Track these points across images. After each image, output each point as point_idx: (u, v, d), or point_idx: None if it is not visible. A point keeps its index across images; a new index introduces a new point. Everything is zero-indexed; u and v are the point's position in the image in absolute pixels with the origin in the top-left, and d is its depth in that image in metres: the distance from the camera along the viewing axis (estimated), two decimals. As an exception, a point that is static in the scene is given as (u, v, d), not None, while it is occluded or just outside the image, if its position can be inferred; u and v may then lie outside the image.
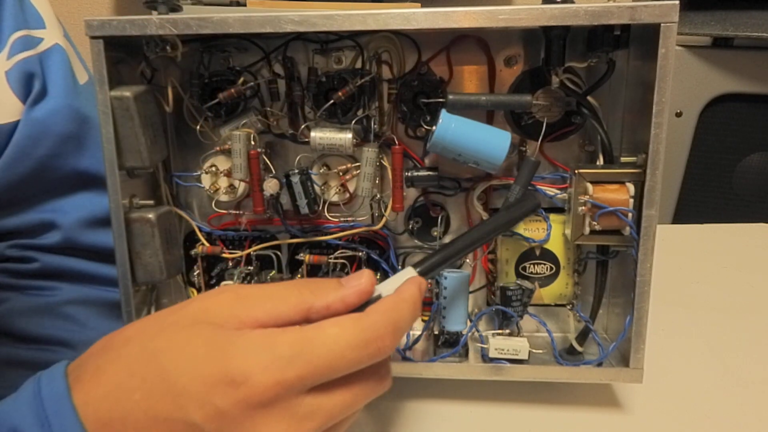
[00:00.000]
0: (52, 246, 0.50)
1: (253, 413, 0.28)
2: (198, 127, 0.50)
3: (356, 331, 0.30)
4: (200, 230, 0.53)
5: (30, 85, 0.48)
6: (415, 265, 0.39)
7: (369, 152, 0.48)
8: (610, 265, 0.51)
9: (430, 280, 0.52)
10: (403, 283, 0.36)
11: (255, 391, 0.28)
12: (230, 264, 0.53)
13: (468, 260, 0.54)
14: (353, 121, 0.48)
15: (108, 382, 0.29)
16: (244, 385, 0.28)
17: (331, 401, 0.30)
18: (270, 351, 0.29)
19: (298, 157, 0.51)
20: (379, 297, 0.35)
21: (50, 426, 0.28)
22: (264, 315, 0.31)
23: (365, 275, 0.35)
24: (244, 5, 0.79)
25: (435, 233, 0.53)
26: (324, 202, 0.51)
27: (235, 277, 0.52)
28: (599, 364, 0.49)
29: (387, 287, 0.36)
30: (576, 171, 0.47)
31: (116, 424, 0.28)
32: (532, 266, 0.51)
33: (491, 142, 0.46)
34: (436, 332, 0.53)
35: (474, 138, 0.45)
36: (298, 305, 0.32)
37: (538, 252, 0.51)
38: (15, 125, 0.47)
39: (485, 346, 0.50)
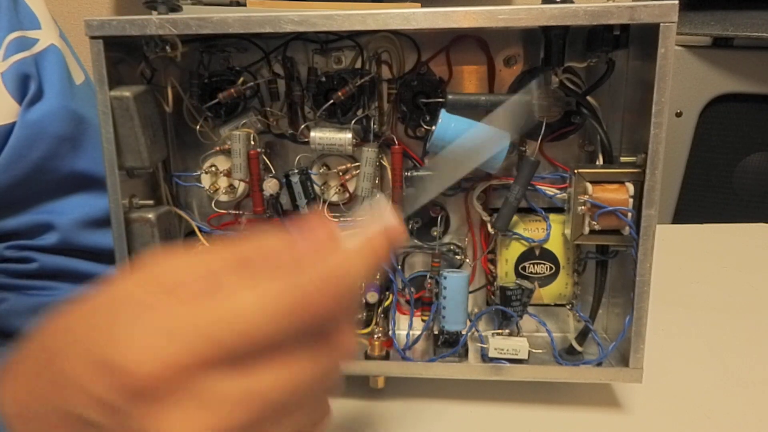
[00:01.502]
0: (50, 247, 0.50)
1: (144, 405, 0.23)
2: (198, 127, 0.50)
3: (279, 295, 0.24)
4: (200, 230, 0.53)
5: (26, 86, 0.48)
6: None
7: (369, 152, 0.48)
8: (610, 265, 0.51)
9: (429, 280, 0.52)
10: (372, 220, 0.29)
11: (137, 377, 0.22)
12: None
13: (468, 260, 0.54)
14: (353, 121, 0.48)
15: (18, 374, 0.26)
16: (124, 370, 0.22)
17: (258, 382, 0.24)
18: (160, 327, 0.23)
19: (297, 157, 0.51)
20: None
21: None
22: (188, 276, 0.25)
23: (323, 226, 0.27)
24: (244, 5, 0.79)
25: (435, 233, 0.53)
26: (324, 202, 0.51)
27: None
28: (599, 364, 0.49)
29: (354, 239, 0.28)
30: (576, 171, 0.47)
31: (21, 418, 0.26)
32: (531, 266, 0.51)
33: (491, 142, 0.45)
34: (436, 332, 0.53)
35: (474, 138, 0.45)
36: (234, 255, 0.26)
37: (537, 252, 0.51)
38: (11, 127, 0.47)
39: (485, 346, 0.50)
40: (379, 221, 0.29)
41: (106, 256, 0.52)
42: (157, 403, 0.23)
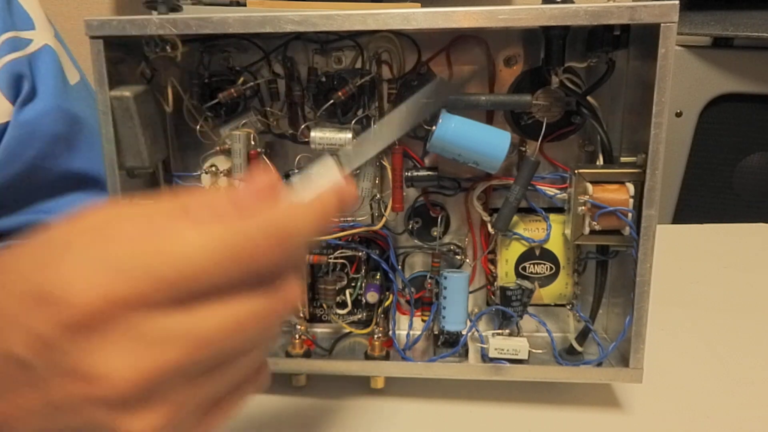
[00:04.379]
0: None
1: (81, 339, 0.22)
2: (198, 127, 0.50)
3: (222, 236, 0.24)
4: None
5: (19, 86, 0.48)
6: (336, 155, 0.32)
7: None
8: (610, 265, 0.51)
9: (429, 280, 0.52)
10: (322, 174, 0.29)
11: (76, 310, 0.22)
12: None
13: (468, 260, 0.54)
14: (353, 121, 0.48)
15: None
16: (63, 302, 0.22)
17: (199, 321, 0.23)
18: (101, 260, 0.23)
19: (298, 157, 0.51)
20: None
21: None
22: (136, 231, 0.24)
23: (264, 176, 0.27)
24: (244, 5, 0.79)
25: (435, 233, 0.53)
26: (324, 202, 0.50)
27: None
28: (599, 364, 0.49)
29: (304, 193, 0.29)
30: (576, 171, 0.47)
31: None
32: (531, 266, 0.51)
33: (491, 142, 0.46)
34: (436, 332, 0.53)
35: (474, 138, 0.45)
36: (172, 214, 0.25)
37: (537, 252, 0.51)
38: (4, 127, 0.47)
39: (485, 346, 0.50)
40: (328, 180, 0.29)
41: None
42: (93, 338, 0.22)
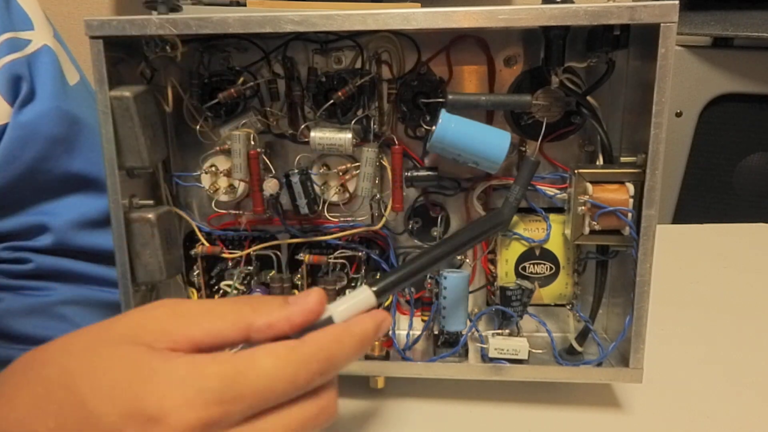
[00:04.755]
0: (45, 248, 0.50)
1: None
2: (198, 127, 0.50)
3: (293, 364, 0.29)
4: (200, 230, 0.53)
5: (18, 87, 0.48)
6: (371, 284, 0.36)
7: (369, 152, 0.48)
8: (610, 265, 0.51)
9: (429, 280, 0.52)
10: (360, 314, 0.34)
11: (174, 429, 0.26)
12: (230, 264, 0.53)
13: (468, 260, 0.54)
14: (353, 121, 0.48)
15: (24, 405, 0.27)
16: (163, 422, 0.26)
17: None
18: (194, 384, 0.27)
19: (298, 157, 0.51)
20: (329, 319, 0.33)
21: None
22: (200, 333, 0.29)
23: (314, 293, 0.32)
24: (244, 5, 0.79)
25: (435, 233, 0.53)
26: (324, 202, 0.51)
27: (235, 277, 0.52)
28: (599, 364, 0.49)
29: (339, 309, 0.34)
30: (576, 171, 0.47)
31: None
32: (531, 266, 0.51)
33: (491, 142, 0.46)
34: (436, 332, 0.53)
35: (474, 138, 0.45)
36: (237, 323, 0.30)
37: (537, 252, 0.51)
38: (3, 128, 0.47)
39: (485, 346, 0.50)
40: (364, 303, 0.35)
41: (101, 257, 0.52)
42: None
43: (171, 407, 0.26)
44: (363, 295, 0.35)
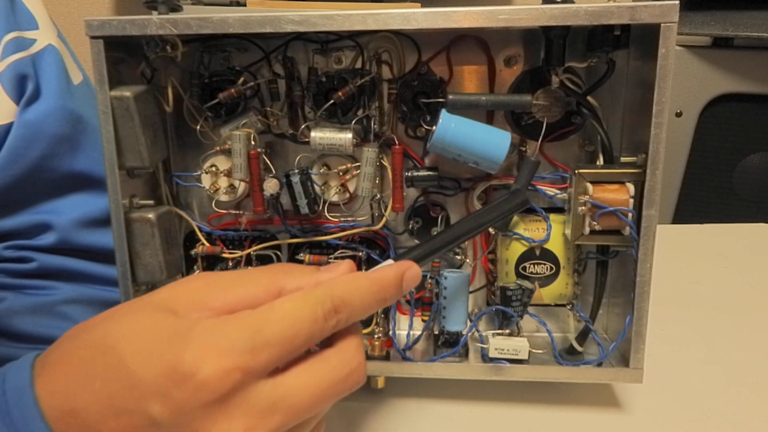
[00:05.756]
0: (48, 247, 0.50)
1: (210, 407, 0.27)
2: (198, 127, 0.50)
3: (310, 304, 0.30)
4: (200, 230, 0.53)
5: (23, 86, 0.48)
6: (396, 257, 0.38)
7: (369, 152, 0.48)
8: (610, 265, 0.51)
9: (429, 280, 0.52)
10: (382, 265, 0.36)
11: (209, 380, 0.27)
12: (230, 264, 0.53)
13: (468, 260, 0.54)
14: (353, 121, 0.48)
15: (71, 371, 0.29)
16: (198, 374, 0.27)
17: (293, 388, 0.29)
18: (224, 338, 0.28)
19: (298, 157, 0.51)
20: None
21: (11, 417, 0.28)
22: (234, 299, 0.31)
23: (345, 263, 0.34)
24: (244, 5, 0.79)
25: (435, 233, 0.53)
26: (324, 202, 0.51)
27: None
28: (599, 364, 0.49)
29: None
30: (576, 171, 0.47)
31: (78, 414, 0.28)
32: (532, 266, 0.51)
33: (491, 142, 0.46)
34: (436, 332, 0.53)
35: (474, 138, 0.45)
36: (269, 287, 0.31)
37: (538, 252, 0.51)
38: (8, 127, 0.47)
39: (485, 346, 0.50)
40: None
41: (104, 256, 0.52)
42: (218, 408, 0.27)
43: (206, 360, 0.27)
44: (386, 264, 0.36)
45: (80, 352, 0.29)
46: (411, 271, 0.35)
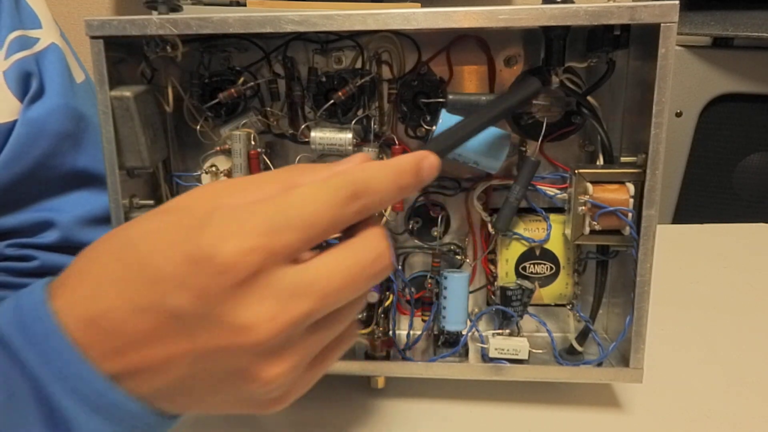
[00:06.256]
0: (50, 245, 0.50)
1: (233, 291, 0.26)
2: (198, 127, 0.50)
3: (331, 189, 0.28)
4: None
5: (27, 84, 0.48)
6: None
7: (369, 152, 0.48)
8: (610, 265, 0.51)
9: (430, 280, 0.52)
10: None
11: (229, 262, 0.25)
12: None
13: (468, 260, 0.54)
14: (353, 121, 0.48)
15: (91, 279, 0.28)
16: (218, 257, 0.25)
17: (320, 273, 0.28)
18: (240, 219, 0.27)
19: (298, 157, 0.51)
20: None
21: (28, 330, 0.27)
22: (250, 197, 0.29)
23: (360, 155, 0.33)
24: (244, 5, 0.79)
25: (435, 233, 0.53)
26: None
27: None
28: (599, 364, 0.49)
29: None
30: (576, 171, 0.47)
31: (100, 319, 0.27)
32: (532, 266, 0.51)
33: (491, 142, 0.46)
34: (436, 332, 0.53)
35: (474, 138, 0.45)
36: (286, 182, 0.30)
37: (538, 252, 0.51)
38: (12, 125, 0.47)
39: (485, 346, 0.50)
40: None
41: None
42: (242, 292, 0.26)
43: (224, 242, 0.26)
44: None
45: (99, 261, 0.28)
46: (428, 159, 0.33)
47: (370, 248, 0.29)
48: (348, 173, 0.30)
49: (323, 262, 0.28)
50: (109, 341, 0.27)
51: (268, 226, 0.26)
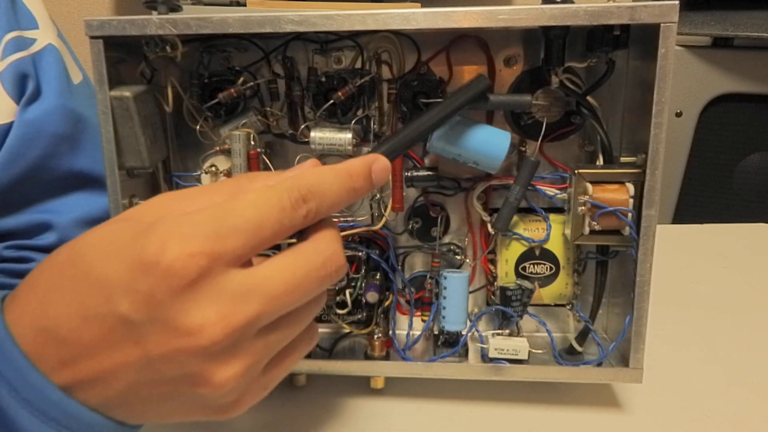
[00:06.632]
0: (48, 246, 0.50)
1: (180, 294, 0.26)
2: (198, 127, 0.50)
3: (277, 193, 0.29)
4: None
5: (23, 85, 0.48)
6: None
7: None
8: (610, 265, 0.51)
9: (429, 280, 0.52)
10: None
11: (174, 265, 0.26)
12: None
13: (468, 260, 0.54)
14: (353, 121, 0.48)
15: (40, 290, 0.28)
16: (163, 261, 0.26)
17: (267, 276, 0.28)
18: (187, 225, 0.27)
19: (298, 157, 0.51)
20: None
21: None
22: (197, 204, 0.29)
23: (309, 161, 0.33)
24: (244, 5, 0.79)
25: (435, 233, 0.53)
26: (324, 202, 0.50)
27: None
28: (599, 364, 0.49)
29: None
30: (576, 171, 0.47)
31: (51, 329, 0.27)
32: (531, 266, 0.51)
33: (491, 142, 0.46)
34: (436, 332, 0.53)
35: (474, 138, 0.45)
36: (235, 190, 0.30)
37: (537, 252, 0.51)
38: (9, 126, 0.47)
39: (485, 346, 0.50)
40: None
41: None
42: (189, 295, 0.26)
43: (168, 247, 0.26)
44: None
45: (48, 272, 0.29)
46: (379, 162, 0.34)
47: (320, 250, 0.30)
48: (296, 178, 0.30)
49: (271, 265, 0.28)
50: (60, 351, 0.27)
51: (213, 230, 0.27)
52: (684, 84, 1.16)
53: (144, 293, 0.26)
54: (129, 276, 0.26)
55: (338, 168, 0.32)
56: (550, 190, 0.50)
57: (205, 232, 0.26)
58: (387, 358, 0.51)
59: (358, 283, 0.53)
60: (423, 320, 0.53)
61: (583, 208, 0.46)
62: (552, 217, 0.51)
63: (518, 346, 0.49)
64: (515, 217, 0.50)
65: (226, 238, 0.27)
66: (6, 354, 0.27)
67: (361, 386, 0.52)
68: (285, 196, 0.29)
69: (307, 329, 0.32)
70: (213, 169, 0.50)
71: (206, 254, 0.26)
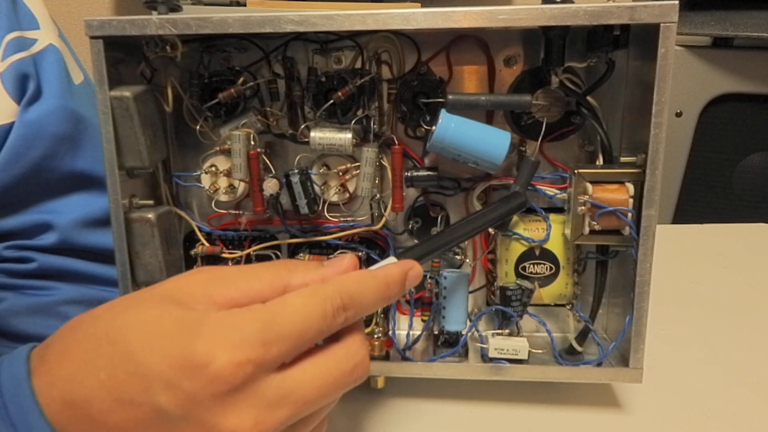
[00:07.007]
0: (49, 247, 0.50)
1: (221, 398, 0.27)
2: (198, 127, 0.50)
3: (320, 300, 0.30)
4: (200, 230, 0.53)
5: (24, 86, 0.48)
6: (398, 256, 0.39)
7: (369, 152, 0.48)
8: (610, 265, 0.51)
9: (429, 280, 0.52)
10: (386, 264, 0.36)
11: (222, 372, 0.27)
12: (230, 264, 0.53)
13: (468, 260, 0.54)
14: (353, 121, 0.48)
15: (73, 362, 0.28)
16: (211, 366, 0.27)
17: (302, 382, 0.29)
18: (235, 330, 0.28)
19: (297, 157, 0.51)
20: None
21: (7, 410, 0.27)
22: (238, 294, 0.30)
23: (348, 257, 0.35)
24: (244, 5, 0.79)
25: (434, 233, 0.53)
26: (324, 202, 0.51)
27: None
28: (599, 364, 0.49)
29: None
30: (576, 171, 0.47)
31: (80, 405, 0.27)
32: (531, 266, 0.51)
33: (491, 142, 0.46)
34: (436, 332, 0.53)
35: (474, 138, 0.45)
36: (274, 282, 0.32)
37: (537, 252, 0.51)
38: (10, 127, 0.47)
39: (485, 346, 0.50)
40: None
41: (105, 256, 0.52)
42: (229, 399, 0.27)
43: (219, 352, 0.27)
44: (387, 262, 0.37)
45: (83, 344, 0.29)
46: (414, 270, 0.36)
47: (350, 356, 0.31)
48: (338, 284, 0.32)
49: (306, 370, 0.30)
50: (87, 428, 0.28)
51: (260, 338, 0.28)
52: (684, 84, 1.16)
53: (186, 392, 0.27)
54: (172, 372, 0.27)
55: (378, 276, 0.34)
56: (550, 190, 0.50)
57: (253, 338, 0.28)
58: (387, 358, 0.51)
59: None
60: (423, 320, 0.53)
61: (583, 208, 0.46)
62: (552, 217, 0.51)
63: (518, 346, 0.49)
64: (515, 217, 0.50)
65: (273, 345, 0.28)
66: (32, 421, 0.27)
67: (361, 386, 0.52)
68: (328, 305, 0.30)
69: (320, 422, 0.34)
70: (213, 169, 0.50)
71: (253, 363, 0.27)
